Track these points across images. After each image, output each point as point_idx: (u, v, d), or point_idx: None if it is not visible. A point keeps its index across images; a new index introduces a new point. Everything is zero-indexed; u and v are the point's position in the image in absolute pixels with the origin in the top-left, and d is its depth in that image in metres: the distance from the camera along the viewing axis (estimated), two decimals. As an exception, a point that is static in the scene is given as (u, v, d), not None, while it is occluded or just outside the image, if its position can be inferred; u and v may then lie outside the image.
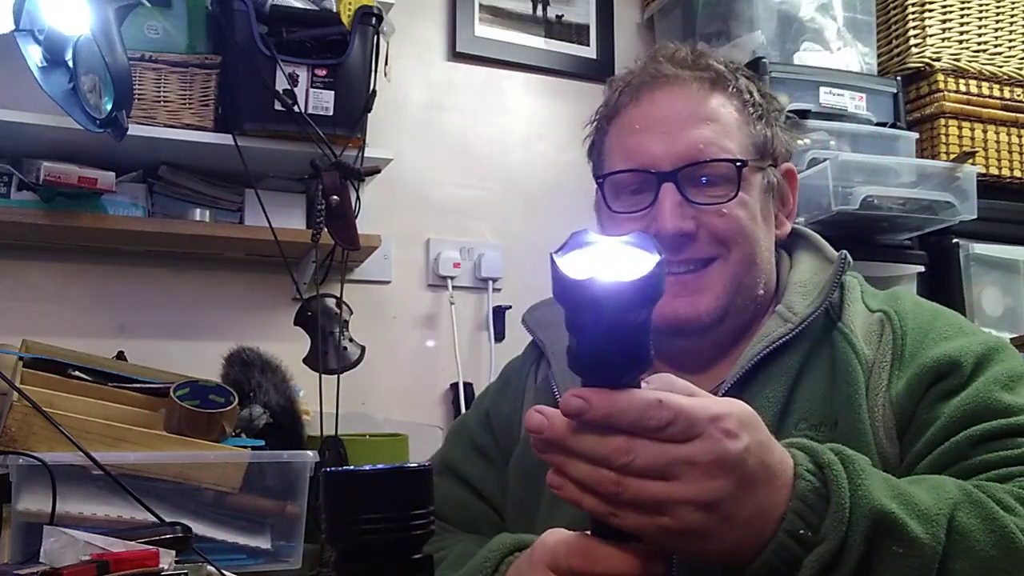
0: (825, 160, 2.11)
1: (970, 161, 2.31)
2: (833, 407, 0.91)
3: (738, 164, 0.99)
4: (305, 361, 1.91)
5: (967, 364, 0.89)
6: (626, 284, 0.53)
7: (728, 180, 0.99)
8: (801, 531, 0.64)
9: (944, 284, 2.30)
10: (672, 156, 0.98)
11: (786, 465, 0.66)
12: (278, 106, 1.91)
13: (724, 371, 0.99)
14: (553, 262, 0.54)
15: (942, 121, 2.41)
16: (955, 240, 2.34)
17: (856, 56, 2.42)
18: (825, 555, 0.65)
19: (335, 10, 2.00)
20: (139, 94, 1.84)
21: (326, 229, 1.88)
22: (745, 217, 0.99)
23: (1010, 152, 2.48)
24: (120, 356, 1.94)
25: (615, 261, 0.55)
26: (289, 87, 1.90)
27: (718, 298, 0.98)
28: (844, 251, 1.02)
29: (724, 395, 0.90)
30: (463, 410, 2.29)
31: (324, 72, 1.94)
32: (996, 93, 2.48)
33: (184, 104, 1.93)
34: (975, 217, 2.26)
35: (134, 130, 1.72)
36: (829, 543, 0.65)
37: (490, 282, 2.44)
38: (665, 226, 0.96)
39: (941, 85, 2.41)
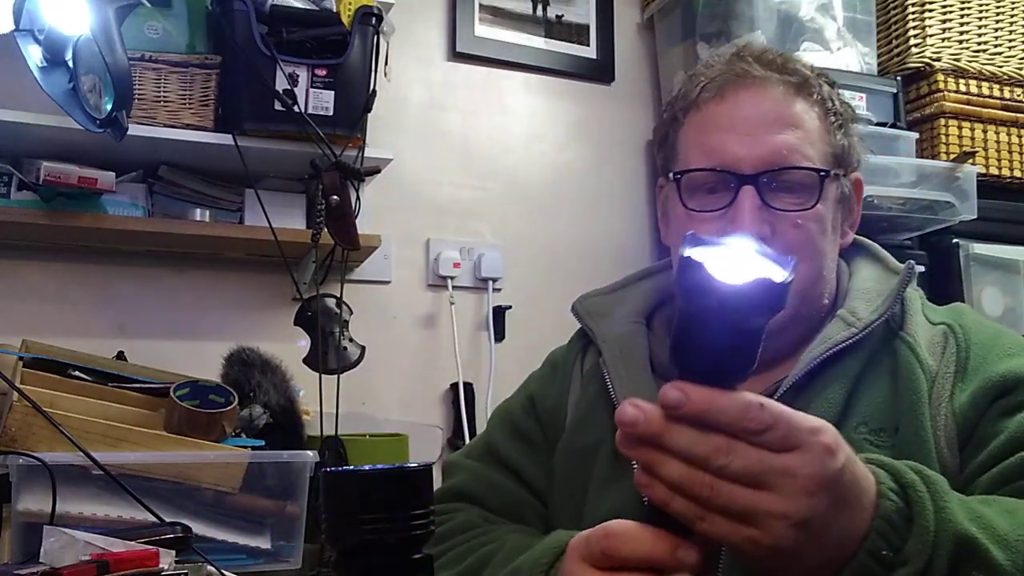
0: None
1: (970, 161, 2.31)
2: (895, 413, 0.91)
3: (821, 174, 0.98)
4: (305, 361, 1.91)
5: None
6: (764, 287, 0.53)
7: (808, 188, 0.98)
8: (884, 552, 0.63)
9: (944, 284, 2.30)
10: (755, 159, 0.97)
11: (869, 483, 0.65)
12: (278, 106, 1.91)
13: (781, 372, 0.98)
14: (689, 249, 0.54)
15: (942, 121, 2.41)
16: (955, 240, 2.34)
17: (856, 56, 2.42)
18: None
19: (335, 10, 2.00)
20: (139, 94, 1.84)
21: (326, 229, 1.88)
22: (817, 230, 0.99)
23: (1010, 152, 2.48)
24: (120, 356, 1.94)
25: (749, 264, 0.55)
26: (289, 87, 1.90)
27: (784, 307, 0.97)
28: (911, 262, 1.01)
29: (783, 395, 0.93)
30: (463, 410, 2.30)
31: (324, 72, 1.94)
32: (996, 93, 2.48)
33: (184, 104, 1.93)
34: (975, 217, 2.27)
35: (134, 130, 1.72)
36: (913, 565, 0.64)
37: (490, 282, 2.44)
38: (744, 229, 0.94)
39: (941, 85, 2.41)
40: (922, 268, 2.32)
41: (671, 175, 1.04)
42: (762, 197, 0.96)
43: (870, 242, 1.11)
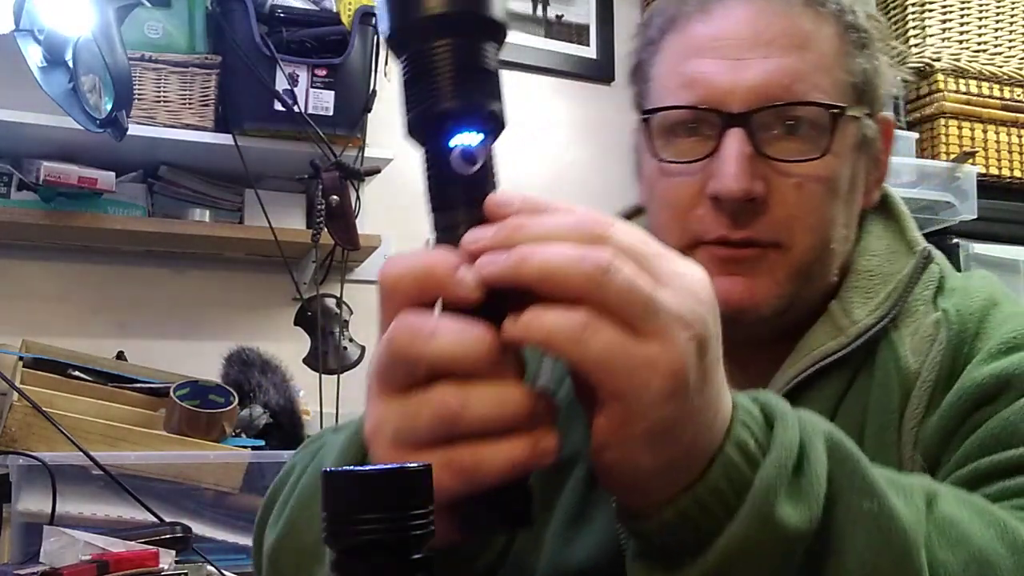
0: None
1: (970, 161, 2.31)
2: (865, 440, 0.73)
3: (833, 111, 0.74)
4: (305, 361, 1.91)
5: (1021, 382, 0.68)
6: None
7: (817, 130, 0.74)
8: (750, 445, 0.47)
9: (944, 284, 2.30)
10: (745, 92, 0.74)
11: (725, 385, 0.48)
12: (278, 106, 1.91)
13: (774, 369, 0.79)
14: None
15: (942, 121, 2.41)
16: (955, 240, 2.33)
17: (856, 56, 2.42)
18: (783, 463, 0.47)
19: (335, 10, 2.00)
20: (139, 94, 1.84)
21: (326, 229, 1.89)
22: (825, 191, 0.75)
23: (1010, 152, 2.48)
24: (120, 356, 1.94)
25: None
26: (289, 87, 1.90)
27: (779, 285, 0.75)
28: (927, 247, 0.80)
29: None
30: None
31: (324, 72, 1.95)
32: (996, 93, 2.48)
33: (184, 104, 1.93)
34: (975, 217, 2.27)
35: (134, 130, 1.72)
36: (782, 451, 0.47)
37: (490, 282, 2.44)
38: (727, 184, 0.72)
39: (941, 85, 2.41)
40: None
41: (641, 114, 0.82)
42: (754, 143, 0.74)
43: (891, 191, 0.86)
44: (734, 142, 0.73)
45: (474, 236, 0.45)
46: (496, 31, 0.47)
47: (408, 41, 0.46)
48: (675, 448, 0.45)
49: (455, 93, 0.45)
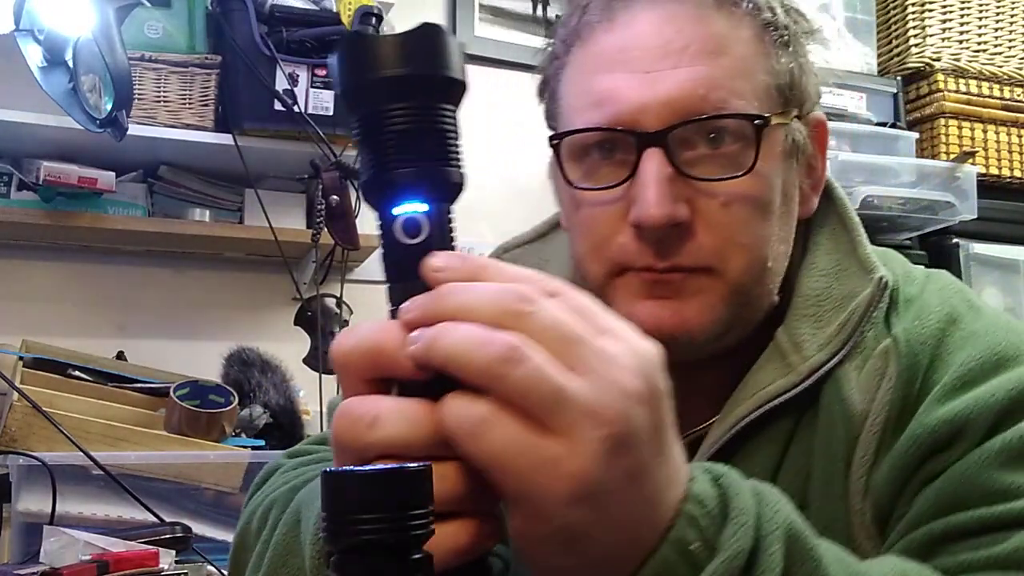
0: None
1: (970, 161, 2.31)
2: (810, 492, 0.67)
3: (756, 122, 0.68)
4: (305, 361, 1.91)
5: (978, 426, 0.62)
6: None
7: (741, 142, 0.68)
8: (692, 546, 0.43)
9: (944, 284, 2.30)
10: (659, 107, 0.67)
11: (680, 460, 0.45)
12: (278, 106, 1.91)
13: (711, 411, 0.72)
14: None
15: (942, 121, 2.41)
16: (955, 240, 2.34)
17: (856, 56, 2.42)
18: (730, 570, 0.43)
19: (335, 10, 2.00)
20: (139, 94, 1.84)
21: (326, 229, 1.89)
22: (755, 208, 0.69)
23: (1010, 152, 2.48)
24: (120, 356, 1.94)
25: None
26: (289, 87, 1.90)
27: (713, 309, 0.69)
28: (883, 276, 0.70)
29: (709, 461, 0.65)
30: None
31: (324, 72, 1.95)
32: (996, 93, 2.48)
33: (184, 104, 1.93)
34: (975, 217, 2.27)
35: (134, 130, 1.72)
36: (730, 555, 0.43)
37: (490, 282, 2.44)
38: (648, 212, 0.66)
39: (941, 85, 2.41)
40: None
41: (549, 139, 0.76)
42: (673, 163, 0.67)
43: (839, 194, 0.79)
44: (652, 164, 0.67)
45: (405, 307, 0.43)
46: (452, 90, 0.44)
47: (358, 102, 0.44)
48: (593, 552, 0.42)
49: (399, 162, 0.43)
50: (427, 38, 0.43)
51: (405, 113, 0.43)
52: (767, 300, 0.72)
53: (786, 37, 0.72)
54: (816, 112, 0.76)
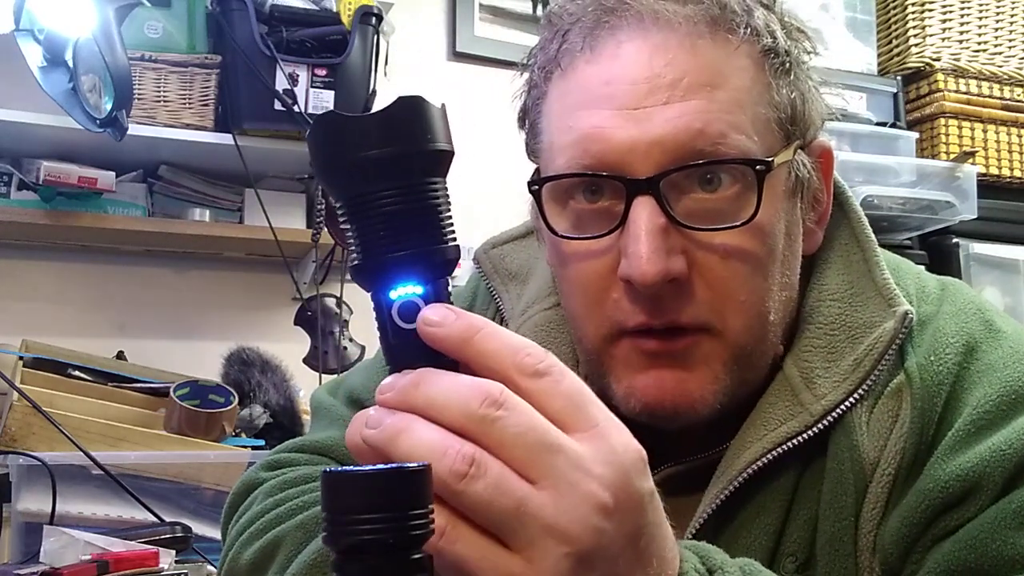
0: (825, 160, 2.12)
1: (970, 161, 2.31)
2: (818, 547, 0.63)
3: (758, 168, 0.61)
4: (305, 361, 1.91)
5: (992, 483, 0.58)
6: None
7: (741, 184, 0.62)
8: None
9: (944, 284, 2.30)
10: (649, 148, 0.60)
11: (672, 554, 0.45)
12: (278, 106, 1.91)
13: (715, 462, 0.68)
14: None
15: (942, 121, 2.41)
16: (955, 240, 2.34)
17: (856, 56, 2.42)
18: None
19: (335, 10, 2.00)
20: (139, 94, 1.84)
21: (326, 229, 1.89)
22: (757, 259, 0.63)
23: (1010, 152, 2.48)
24: (120, 356, 1.94)
25: None
26: (289, 87, 1.90)
27: (717, 377, 0.64)
28: (907, 310, 0.64)
29: (704, 522, 0.64)
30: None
31: (324, 72, 1.95)
32: (996, 93, 2.48)
33: (184, 104, 1.93)
34: (975, 217, 2.27)
35: (134, 130, 1.72)
36: None
37: (490, 282, 2.44)
38: (640, 268, 0.59)
39: (941, 85, 2.41)
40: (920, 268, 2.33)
41: (529, 184, 0.67)
42: (667, 211, 0.61)
43: (852, 204, 0.73)
44: (643, 214, 0.60)
45: (383, 385, 0.42)
46: (441, 162, 0.42)
47: (341, 184, 0.42)
48: None
49: (392, 247, 0.41)
50: (409, 112, 0.41)
51: (394, 194, 0.41)
52: (770, 354, 0.67)
53: (788, 64, 0.65)
54: (821, 139, 0.70)
